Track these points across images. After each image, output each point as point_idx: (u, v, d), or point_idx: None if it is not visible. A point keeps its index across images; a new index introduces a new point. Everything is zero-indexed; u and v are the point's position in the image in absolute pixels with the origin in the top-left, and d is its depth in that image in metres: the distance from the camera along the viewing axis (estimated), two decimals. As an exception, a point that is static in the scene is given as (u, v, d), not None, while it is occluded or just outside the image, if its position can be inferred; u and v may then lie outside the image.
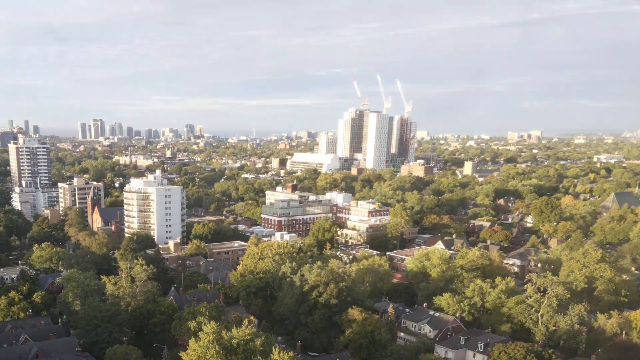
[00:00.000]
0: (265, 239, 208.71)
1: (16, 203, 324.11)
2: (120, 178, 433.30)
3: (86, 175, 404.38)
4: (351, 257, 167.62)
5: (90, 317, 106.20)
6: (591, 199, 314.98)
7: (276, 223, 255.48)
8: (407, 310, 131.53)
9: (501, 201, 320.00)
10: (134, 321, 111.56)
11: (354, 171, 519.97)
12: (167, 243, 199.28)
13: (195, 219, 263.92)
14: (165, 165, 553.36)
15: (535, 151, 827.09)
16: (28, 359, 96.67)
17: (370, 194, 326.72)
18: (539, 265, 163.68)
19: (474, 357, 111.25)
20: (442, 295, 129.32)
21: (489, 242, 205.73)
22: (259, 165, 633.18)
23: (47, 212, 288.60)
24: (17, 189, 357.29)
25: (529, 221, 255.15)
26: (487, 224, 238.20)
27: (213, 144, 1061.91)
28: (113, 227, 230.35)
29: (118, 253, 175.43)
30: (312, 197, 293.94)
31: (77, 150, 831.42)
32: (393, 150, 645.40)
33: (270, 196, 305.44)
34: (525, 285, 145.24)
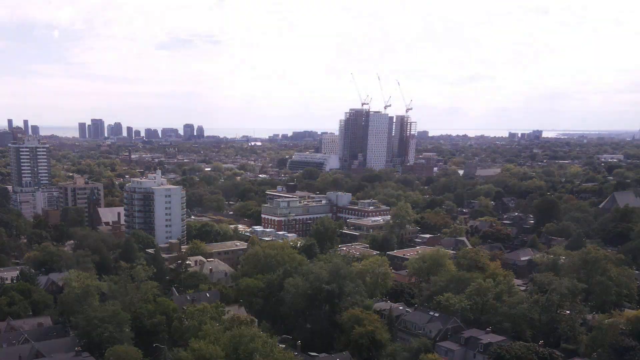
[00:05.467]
0: (265, 239, 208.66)
1: (16, 203, 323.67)
2: (120, 178, 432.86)
3: (86, 175, 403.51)
4: (351, 257, 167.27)
5: (90, 317, 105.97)
6: (592, 198, 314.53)
7: (276, 223, 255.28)
8: (407, 310, 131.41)
9: (502, 201, 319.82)
10: (134, 321, 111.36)
11: (354, 171, 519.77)
12: (167, 243, 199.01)
13: (196, 219, 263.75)
14: (165, 165, 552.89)
15: (536, 150, 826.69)
16: (28, 359, 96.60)
17: (370, 193, 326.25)
18: (540, 265, 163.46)
19: (475, 357, 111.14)
20: (443, 295, 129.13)
21: (489, 241, 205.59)
22: (259, 165, 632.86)
23: (46, 212, 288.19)
24: (17, 189, 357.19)
25: (530, 221, 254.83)
26: (488, 224, 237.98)
27: (213, 144, 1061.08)
28: (113, 227, 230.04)
29: (118, 253, 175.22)
30: (312, 197, 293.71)
31: (77, 150, 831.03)
32: (393, 149, 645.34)
33: (271, 196, 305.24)
34: (526, 285, 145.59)
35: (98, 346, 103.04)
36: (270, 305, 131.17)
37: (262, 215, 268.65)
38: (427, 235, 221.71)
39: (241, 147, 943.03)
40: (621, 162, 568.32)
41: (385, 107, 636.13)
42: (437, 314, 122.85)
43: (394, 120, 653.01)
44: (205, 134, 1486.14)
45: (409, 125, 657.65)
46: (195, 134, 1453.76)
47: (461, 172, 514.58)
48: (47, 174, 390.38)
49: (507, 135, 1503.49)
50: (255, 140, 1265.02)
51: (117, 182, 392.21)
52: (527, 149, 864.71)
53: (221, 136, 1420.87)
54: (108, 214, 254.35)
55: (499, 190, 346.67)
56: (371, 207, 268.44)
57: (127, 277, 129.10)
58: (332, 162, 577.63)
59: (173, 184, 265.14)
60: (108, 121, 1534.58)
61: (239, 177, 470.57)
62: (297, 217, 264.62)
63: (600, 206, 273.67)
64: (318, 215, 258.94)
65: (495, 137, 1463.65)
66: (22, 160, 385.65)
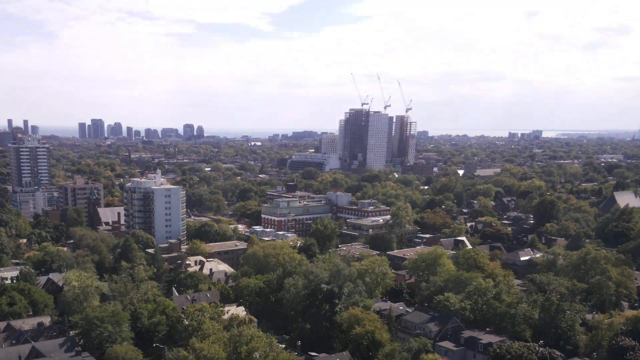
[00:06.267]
0: (265, 239, 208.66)
1: (16, 203, 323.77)
2: (120, 178, 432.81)
3: (85, 175, 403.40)
4: (351, 257, 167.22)
5: (90, 317, 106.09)
6: (592, 198, 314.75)
7: (276, 223, 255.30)
8: (407, 310, 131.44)
9: (502, 201, 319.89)
10: (133, 321, 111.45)
11: (353, 171, 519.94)
12: (167, 243, 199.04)
13: (195, 219, 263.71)
14: (164, 165, 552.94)
15: (536, 150, 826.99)
16: (28, 358, 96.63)
17: (370, 193, 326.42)
18: (540, 265, 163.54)
19: (474, 357, 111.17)
20: (443, 294, 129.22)
21: (489, 241, 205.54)
22: (259, 165, 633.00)
23: (46, 212, 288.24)
24: (17, 189, 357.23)
25: (530, 221, 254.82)
26: (488, 224, 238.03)
27: (213, 144, 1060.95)
28: (113, 227, 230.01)
29: (118, 253, 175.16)
30: (312, 197, 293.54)
31: (77, 150, 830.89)
32: (393, 149, 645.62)
33: (271, 196, 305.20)
34: (526, 285, 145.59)
35: (98, 346, 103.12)
36: (270, 305, 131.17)
37: (262, 215, 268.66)
38: (427, 235, 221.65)
39: (241, 147, 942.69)
40: (621, 162, 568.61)
41: (385, 107, 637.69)
42: (437, 314, 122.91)
43: (394, 120, 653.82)
44: (205, 134, 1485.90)
45: (408, 125, 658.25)
46: (195, 134, 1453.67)
47: (461, 172, 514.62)
48: (47, 174, 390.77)
49: (507, 135, 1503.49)
50: (255, 140, 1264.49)
51: (117, 182, 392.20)
52: (527, 149, 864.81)
53: (221, 136, 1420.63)
54: (108, 214, 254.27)
55: (499, 190, 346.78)
56: (371, 207, 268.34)
57: (127, 277, 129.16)
58: (332, 162, 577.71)
59: (173, 184, 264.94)
60: (108, 121, 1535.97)
61: (239, 177, 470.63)
62: (297, 217, 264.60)
63: (600, 206, 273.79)
64: (318, 215, 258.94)
65: (495, 137, 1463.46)
66: (22, 160, 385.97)
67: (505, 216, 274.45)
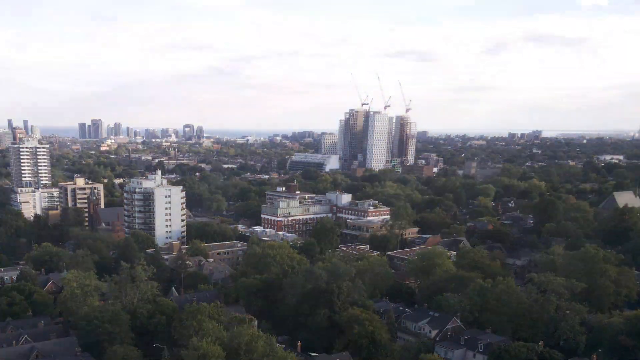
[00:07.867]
0: (265, 239, 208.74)
1: (16, 203, 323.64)
2: (120, 178, 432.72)
3: (85, 175, 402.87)
4: (351, 257, 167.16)
5: (90, 317, 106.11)
6: (591, 198, 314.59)
7: (276, 223, 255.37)
8: (407, 310, 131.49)
9: (502, 200, 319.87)
10: (134, 321, 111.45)
11: (353, 171, 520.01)
12: (167, 243, 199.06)
13: (196, 219, 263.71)
14: (165, 165, 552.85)
15: (536, 150, 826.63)
16: (28, 359, 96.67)
17: (370, 193, 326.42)
18: (540, 265, 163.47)
19: (474, 357, 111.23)
20: (443, 295, 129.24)
21: (489, 241, 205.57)
22: (259, 165, 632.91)
23: (46, 212, 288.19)
24: (17, 189, 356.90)
25: (530, 221, 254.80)
26: (488, 224, 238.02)
27: (213, 144, 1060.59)
28: (113, 227, 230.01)
29: (118, 253, 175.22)
30: (312, 197, 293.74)
31: (77, 150, 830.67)
32: (393, 149, 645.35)
33: (271, 196, 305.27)
34: (526, 285, 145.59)
35: (98, 346, 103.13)
36: (270, 305, 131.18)
37: (262, 215, 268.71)
38: (427, 236, 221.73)
39: (241, 147, 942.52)
40: (621, 162, 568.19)
41: (385, 107, 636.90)
42: (437, 314, 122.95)
43: (394, 120, 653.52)
44: (205, 134, 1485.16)
45: (408, 125, 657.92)
46: (195, 134, 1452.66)
47: (461, 172, 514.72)
48: (47, 174, 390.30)
49: (507, 135, 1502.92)
50: (255, 140, 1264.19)
51: (117, 182, 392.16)
52: (527, 149, 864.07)
53: (221, 136, 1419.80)
54: (108, 214, 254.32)
55: (499, 190, 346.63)
56: (371, 207, 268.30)
57: (127, 277, 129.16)
58: (332, 162, 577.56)
59: (173, 184, 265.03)
60: (108, 121, 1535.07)
61: (238, 177, 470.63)
62: (297, 217, 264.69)
63: (600, 206, 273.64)
64: (318, 215, 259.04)
65: (495, 137, 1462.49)
66: (22, 160, 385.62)
67: (505, 216, 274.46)
